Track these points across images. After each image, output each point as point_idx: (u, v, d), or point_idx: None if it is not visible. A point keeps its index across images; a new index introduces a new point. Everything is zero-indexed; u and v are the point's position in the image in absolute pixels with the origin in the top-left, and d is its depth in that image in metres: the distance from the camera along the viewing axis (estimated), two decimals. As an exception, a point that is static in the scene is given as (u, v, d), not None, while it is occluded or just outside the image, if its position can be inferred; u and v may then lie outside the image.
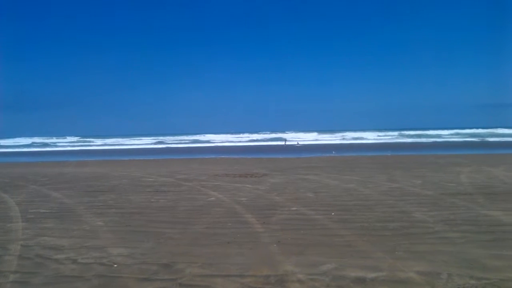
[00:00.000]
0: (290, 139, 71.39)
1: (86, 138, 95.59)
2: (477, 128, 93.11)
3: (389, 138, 72.46)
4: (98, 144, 75.15)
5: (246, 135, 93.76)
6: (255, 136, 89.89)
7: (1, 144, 78.67)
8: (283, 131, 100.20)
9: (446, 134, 78.15)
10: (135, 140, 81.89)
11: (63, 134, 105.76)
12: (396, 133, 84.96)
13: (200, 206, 11.49)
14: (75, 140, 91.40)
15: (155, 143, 72.98)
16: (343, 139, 73.78)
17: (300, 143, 62.10)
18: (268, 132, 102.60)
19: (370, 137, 77.57)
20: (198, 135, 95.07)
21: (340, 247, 7.29)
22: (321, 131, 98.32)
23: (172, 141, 77.26)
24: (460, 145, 49.26)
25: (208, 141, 76.15)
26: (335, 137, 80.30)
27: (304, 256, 6.76)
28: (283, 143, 63.55)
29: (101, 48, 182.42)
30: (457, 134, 78.12)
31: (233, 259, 6.70)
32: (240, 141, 73.98)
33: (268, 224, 9.18)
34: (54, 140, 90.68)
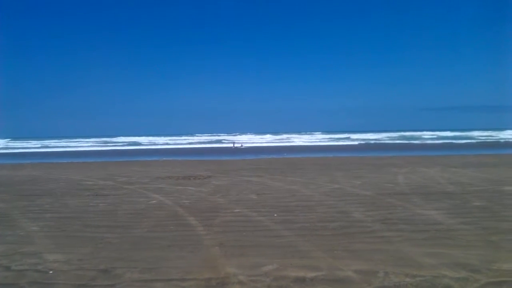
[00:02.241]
0: (238, 141, 71.50)
1: (19, 139, 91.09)
2: (422, 130, 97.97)
3: (334, 140, 74.34)
4: (32, 146, 71.49)
5: (190, 137, 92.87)
6: (201, 138, 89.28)
7: None
8: (231, 133, 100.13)
9: (391, 136, 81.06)
10: (73, 142, 78.83)
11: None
12: (344, 135, 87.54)
13: (142, 210, 11.24)
14: (5, 141, 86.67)
15: (91, 146, 70.20)
16: (292, 141, 74.88)
17: (244, 145, 62.31)
18: (215, 134, 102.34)
19: (319, 138, 79.75)
20: (139, 137, 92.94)
21: (282, 248, 7.36)
22: (274, 133, 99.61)
23: (112, 143, 74.88)
24: (401, 146, 51.11)
25: (150, 143, 74.42)
26: (285, 138, 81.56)
27: (246, 258, 6.77)
28: (231, 145, 63.57)
29: (39, 47, 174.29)
30: (402, 136, 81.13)
31: (174, 263, 6.60)
32: (182, 143, 73.04)
33: (211, 226, 9.13)
34: None
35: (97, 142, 79.25)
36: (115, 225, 9.47)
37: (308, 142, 71.18)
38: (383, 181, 16.18)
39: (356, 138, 79.97)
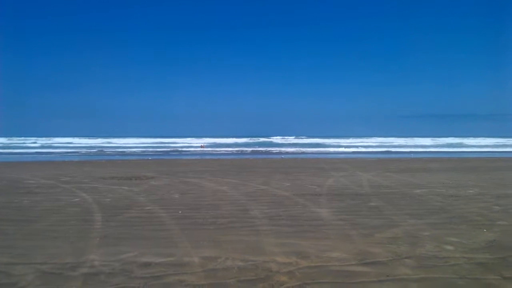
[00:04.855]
0: (204, 143, 73.33)
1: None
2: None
3: (305, 145, 75.63)
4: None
5: (172, 139, 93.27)
6: (170, 140, 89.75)
7: None
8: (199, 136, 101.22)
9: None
10: (51, 141, 78.34)
11: None
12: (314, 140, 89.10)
13: (59, 206, 11.88)
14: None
15: (39, 147, 69.20)
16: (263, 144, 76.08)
17: (205, 146, 64.92)
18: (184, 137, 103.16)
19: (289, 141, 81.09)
20: (107, 139, 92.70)
21: (157, 239, 8.13)
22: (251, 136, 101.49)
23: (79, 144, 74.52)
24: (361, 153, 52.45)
25: (119, 145, 74.24)
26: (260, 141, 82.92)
27: (116, 247, 7.51)
28: (200, 146, 65.25)
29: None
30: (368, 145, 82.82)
31: (48, 251, 7.32)
32: (145, 144, 73.53)
33: (110, 221, 9.84)
34: None
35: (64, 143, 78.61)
36: (24, 219, 10.12)
37: (282, 147, 72.27)
38: (312, 184, 17.07)
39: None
